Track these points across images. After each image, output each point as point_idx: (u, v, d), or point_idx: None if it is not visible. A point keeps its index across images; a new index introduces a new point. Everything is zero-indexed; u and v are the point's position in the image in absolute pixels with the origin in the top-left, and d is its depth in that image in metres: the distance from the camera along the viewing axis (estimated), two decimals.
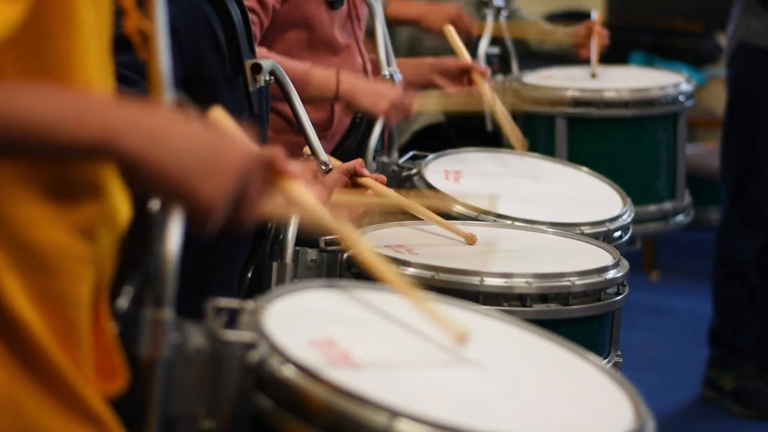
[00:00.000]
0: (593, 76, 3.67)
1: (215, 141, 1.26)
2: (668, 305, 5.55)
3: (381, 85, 2.66)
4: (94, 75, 1.29)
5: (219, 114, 1.59)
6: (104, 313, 1.34)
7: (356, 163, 2.25)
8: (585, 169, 2.86)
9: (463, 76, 3.08)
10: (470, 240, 2.17)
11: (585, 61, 3.79)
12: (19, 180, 1.23)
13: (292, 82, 2.31)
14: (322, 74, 2.63)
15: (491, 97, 2.99)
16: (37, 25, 1.22)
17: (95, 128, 1.19)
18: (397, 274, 1.51)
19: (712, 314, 4.40)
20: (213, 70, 2.08)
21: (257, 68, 2.16)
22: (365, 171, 2.25)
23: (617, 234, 2.46)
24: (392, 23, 3.44)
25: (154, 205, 1.29)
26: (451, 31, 3.22)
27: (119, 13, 1.34)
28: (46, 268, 1.25)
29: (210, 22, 2.09)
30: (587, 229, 2.40)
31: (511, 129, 2.84)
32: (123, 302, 1.33)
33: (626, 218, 2.52)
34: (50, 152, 1.20)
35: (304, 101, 2.36)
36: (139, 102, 1.26)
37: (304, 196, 1.44)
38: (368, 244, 1.60)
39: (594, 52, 3.73)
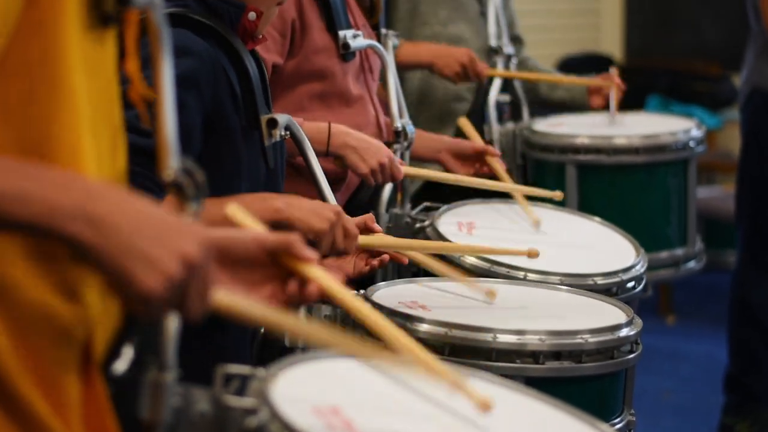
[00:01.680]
0: (611, 121, 3.68)
1: (163, 228, 1.22)
2: (684, 350, 5.53)
3: (373, 144, 2.64)
4: (85, 142, 1.28)
5: (235, 210, 1.59)
6: (96, 374, 1.33)
7: (367, 218, 2.25)
8: (597, 219, 2.85)
9: (476, 159, 3.06)
10: (491, 296, 2.17)
11: (596, 110, 3.79)
12: (4, 238, 1.22)
13: None
14: (312, 128, 2.61)
15: (507, 179, 2.97)
16: (20, 89, 1.22)
17: (40, 207, 1.17)
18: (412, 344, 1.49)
19: (728, 359, 4.37)
20: (231, 122, 2.10)
21: (273, 123, 2.17)
22: (376, 226, 2.25)
23: (630, 284, 2.45)
24: (403, 68, 3.44)
25: None
26: (465, 123, 3.22)
27: (125, 81, 1.34)
28: (31, 328, 1.25)
29: (227, 73, 2.11)
30: (600, 280, 2.39)
31: (529, 208, 2.83)
32: (122, 363, 1.33)
33: (639, 268, 2.51)
34: None
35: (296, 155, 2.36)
36: (96, 182, 1.24)
37: (324, 279, 1.43)
38: (381, 319, 1.58)
39: (613, 101, 3.72)
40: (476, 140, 3.16)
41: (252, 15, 2.17)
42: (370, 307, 1.66)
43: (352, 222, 2.09)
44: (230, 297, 1.34)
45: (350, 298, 1.56)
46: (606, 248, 2.67)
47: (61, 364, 1.27)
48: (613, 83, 3.75)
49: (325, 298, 1.60)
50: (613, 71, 3.84)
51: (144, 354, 1.32)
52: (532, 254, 2.26)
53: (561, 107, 3.99)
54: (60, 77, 1.24)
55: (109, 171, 1.35)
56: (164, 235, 1.22)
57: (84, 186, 1.21)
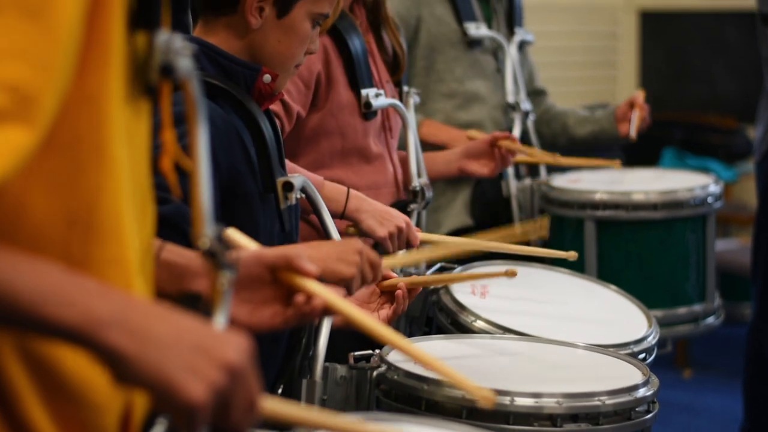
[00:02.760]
0: (632, 139, 3.72)
1: (203, 337, 1.21)
2: (700, 403, 5.50)
3: (389, 211, 2.64)
4: (126, 210, 1.29)
5: (234, 233, 1.60)
6: None
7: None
8: (613, 287, 2.82)
9: (492, 150, 3.11)
10: (511, 274, 2.22)
11: (624, 144, 3.80)
12: None
13: None
14: (332, 189, 2.62)
15: (525, 151, 3.06)
16: (68, 160, 1.23)
17: (78, 315, 1.17)
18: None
19: (743, 414, 4.35)
20: (247, 186, 2.10)
21: (289, 186, 2.17)
22: (391, 273, 2.24)
23: (642, 356, 2.44)
24: (422, 144, 3.45)
25: None
26: (473, 132, 3.28)
27: (157, 147, 1.36)
28: (71, 397, 1.26)
29: (242, 138, 2.11)
30: (611, 352, 2.39)
31: (546, 252, 2.82)
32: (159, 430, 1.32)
33: (651, 340, 2.50)
34: (32, 329, 1.18)
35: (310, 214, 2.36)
36: (126, 293, 1.25)
37: (325, 292, 1.43)
38: (415, 346, 1.59)
39: (635, 120, 3.74)
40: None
41: (267, 77, 2.18)
42: (374, 319, 1.63)
43: (373, 252, 2.06)
44: (275, 404, 1.33)
45: (353, 310, 1.56)
46: (619, 318, 2.66)
47: None
48: (637, 105, 3.77)
49: (329, 313, 1.60)
50: (639, 94, 3.86)
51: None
52: (510, 274, 2.24)
53: (591, 142, 3.99)
54: (106, 148, 1.25)
55: (142, 236, 1.36)
56: (205, 344, 1.20)
57: (123, 296, 1.22)
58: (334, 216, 2.54)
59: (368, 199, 2.63)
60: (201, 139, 1.34)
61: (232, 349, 1.21)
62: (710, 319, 3.55)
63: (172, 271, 1.62)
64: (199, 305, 1.46)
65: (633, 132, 3.71)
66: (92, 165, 1.25)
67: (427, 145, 3.35)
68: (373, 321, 1.57)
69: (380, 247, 2.61)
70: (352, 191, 2.63)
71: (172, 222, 1.82)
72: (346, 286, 1.99)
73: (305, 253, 1.72)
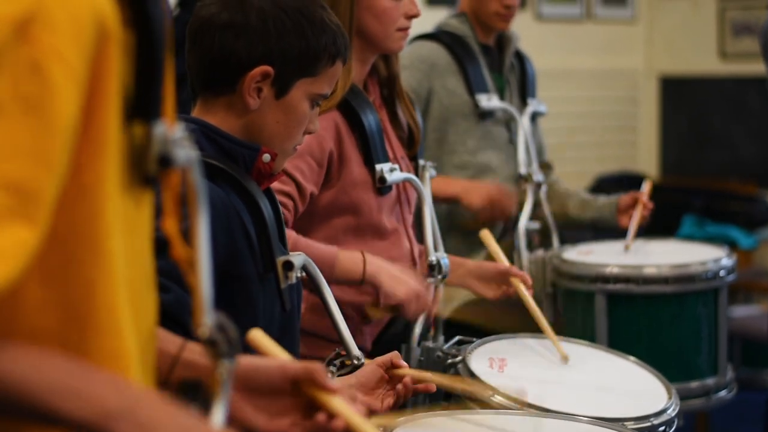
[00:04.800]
0: (626, 248, 3.68)
1: None
2: None
3: (407, 274, 2.63)
4: (122, 303, 1.29)
5: (259, 336, 1.60)
6: None
7: (392, 355, 2.18)
8: (632, 358, 2.79)
9: (501, 281, 3.01)
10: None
11: (625, 231, 3.78)
12: None
13: (319, 265, 2.30)
14: (348, 258, 2.62)
15: (531, 305, 2.91)
16: (62, 252, 1.24)
17: (91, 410, 1.20)
18: None
19: None
20: (246, 267, 2.09)
21: (289, 265, 2.15)
22: (403, 363, 2.19)
23: (662, 429, 2.42)
24: (432, 200, 3.45)
25: None
26: (487, 235, 3.17)
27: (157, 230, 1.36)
28: None
29: (242, 217, 2.10)
30: (631, 425, 2.37)
31: (554, 338, 2.80)
32: None
33: (671, 413, 2.48)
34: (46, 421, 1.21)
35: (330, 283, 2.34)
36: (136, 386, 1.27)
37: (347, 411, 1.43)
38: None
39: (633, 225, 3.72)
40: (499, 257, 3.13)
41: (266, 157, 2.18)
42: None
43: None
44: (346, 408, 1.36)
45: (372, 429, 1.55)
46: (637, 389, 2.64)
47: None
48: (640, 201, 3.76)
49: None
50: (646, 187, 3.84)
51: None
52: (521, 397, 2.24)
53: (589, 227, 3.99)
54: (100, 241, 1.26)
55: (142, 326, 1.36)
56: None
57: (131, 388, 1.25)
58: (354, 283, 2.54)
59: (384, 263, 2.64)
60: (202, 228, 1.34)
61: None
62: (723, 393, 3.52)
63: (195, 371, 1.62)
64: (199, 394, 1.47)
65: (629, 239, 3.70)
66: (86, 258, 1.25)
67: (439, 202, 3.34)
68: None
69: (399, 310, 2.61)
70: (367, 255, 2.63)
71: (173, 315, 1.82)
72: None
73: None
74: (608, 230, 3.95)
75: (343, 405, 1.52)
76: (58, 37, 1.18)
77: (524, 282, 2.98)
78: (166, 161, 1.30)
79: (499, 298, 3.05)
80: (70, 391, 1.20)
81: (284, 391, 1.61)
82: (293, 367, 1.60)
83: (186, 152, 1.31)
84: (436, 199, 3.52)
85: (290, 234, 2.57)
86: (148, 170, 1.31)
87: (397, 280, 2.62)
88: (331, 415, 1.57)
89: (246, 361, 1.50)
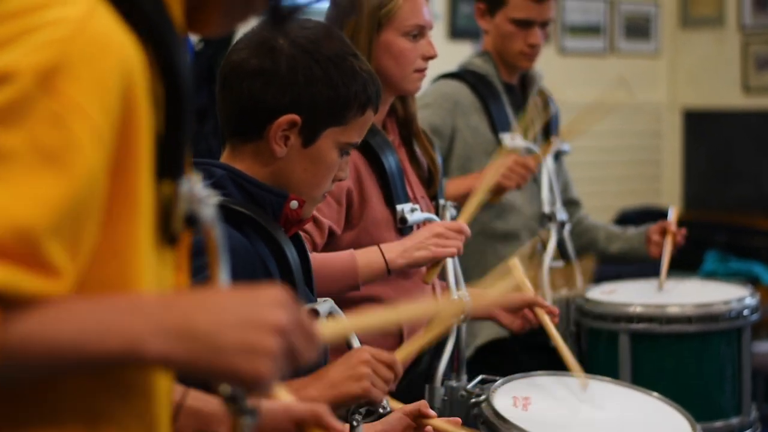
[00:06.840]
0: (660, 287, 3.67)
1: (243, 309, 1.22)
2: None
3: (418, 234, 2.69)
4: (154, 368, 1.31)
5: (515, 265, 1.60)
6: None
7: (420, 404, 2.16)
8: (656, 394, 2.80)
9: (526, 310, 3.01)
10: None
11: (655, 263, 3.76)
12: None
13: (342, 278, 2.30)
14: (364, 255, 2.63)
15: (554, 335, 2.92)
16: None
17: (119, 339, 1.17)
18: None
19: None
20: None
21: (315, 314, 2.13)
22: (431, 412, 2.16)
23: None
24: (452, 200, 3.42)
25: None
26: (516, 264, 3.13)
27: None
28: None
29: (267, 266, 2.09)
30: None
31: (576, 366, 2.80)
32: None
33: None
34: (82, 368, 1.19)
35: (362, 285, 2.38)
36: (157, 293, 1.25)
37: None
38: None
39: (666, 255, 3.72)
40: (525, 287, 3.12)
41: (294, 204, 2.17)
42: None
43: (383, 353, 2.02)
44: (332, 325, 1.37)
45: None
46: (662, 427, 2.64)
47: None
48: (669, 231, 3.75)
49: None
50: (672, 215, 3.83)
51: None
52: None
53: (619, 260, 3.98)
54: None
55: (166, 385, 1.37)
56: (249, 317, 1.21)
57: (155, 302, 1.22)
58: (382, 275, 2.56)
59: (397, 243, 2.68)
60: (221, 284, 1.35)
61: (276, 308, 1.22)
62: None
63: (199, 419, 1.63)
64: None
65: (662, 273, 3.68)
66: None
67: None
68: None
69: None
70: (382, 246, 2.66)
71: None
72: (368, 402, 1.97)
73: (315, 392, 1.72)
74: (633, 265, 3.93)
75: None
76: (82, 92, 1.18)
77: (550, 313, 2.98)
78: (192, 220, 1.32)
79: (523, 330, 3.06)
80: (94, 331, 1.17)
81: None
82: (298, 409, 1.60)
83: (210, 211, 1.32)
84: (455, 200, 3.49)
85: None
86: (174, 228, 1.31)
87: (420, 244, 2.66)
88: None
89: None
